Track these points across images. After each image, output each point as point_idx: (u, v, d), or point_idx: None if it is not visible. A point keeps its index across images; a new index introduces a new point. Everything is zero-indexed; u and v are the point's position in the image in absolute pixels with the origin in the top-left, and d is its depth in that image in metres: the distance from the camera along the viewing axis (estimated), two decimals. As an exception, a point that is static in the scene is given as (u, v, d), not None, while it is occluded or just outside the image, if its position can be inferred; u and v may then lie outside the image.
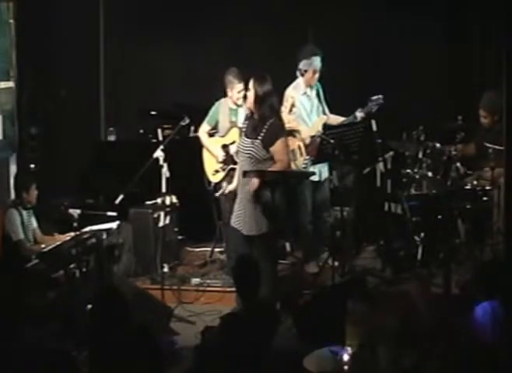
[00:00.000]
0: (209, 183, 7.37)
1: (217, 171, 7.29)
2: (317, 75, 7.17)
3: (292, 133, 7.01)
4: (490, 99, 6.97)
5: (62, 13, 8.45)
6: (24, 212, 6.92)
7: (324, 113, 7.30)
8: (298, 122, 7.14)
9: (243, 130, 6.19)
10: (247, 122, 6.19)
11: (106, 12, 8.93)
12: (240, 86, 7.07)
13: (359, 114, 7.04)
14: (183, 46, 8.70)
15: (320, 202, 7.25)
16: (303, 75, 7.18)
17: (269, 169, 5.97)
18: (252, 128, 6.07)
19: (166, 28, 8.62)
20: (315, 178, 7.10)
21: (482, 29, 7.74)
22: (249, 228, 6.02)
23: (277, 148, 5.96)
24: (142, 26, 8.67)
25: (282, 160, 6.00)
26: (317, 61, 7.12)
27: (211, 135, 7.39)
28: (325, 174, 7.22)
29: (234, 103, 7.20)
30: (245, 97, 6.67)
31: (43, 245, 6.86)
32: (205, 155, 7.41)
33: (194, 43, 8.61)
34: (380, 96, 7.03)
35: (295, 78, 7.25)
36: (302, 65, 7.16)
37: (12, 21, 8.02)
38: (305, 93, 7.22)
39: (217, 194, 7.24)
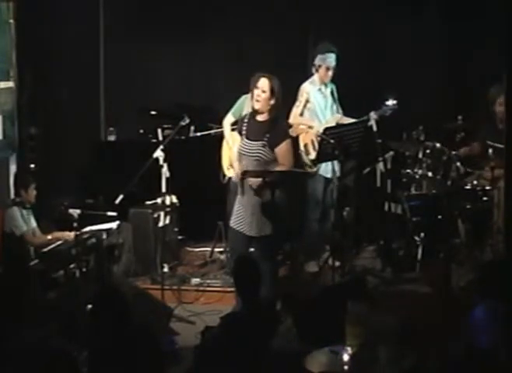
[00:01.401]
0: (224, 176, 7.33)
1: (232, 166, 7.23)
2: (330, 73, 7.20)
3: (306, 128, 7.05)
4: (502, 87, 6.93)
5: (62, 13, 8.45)
6: (24, 211, 6.94)
7: (338, 113, 7.32)
8: (311, 117, 7.17)
9: (244, 131, 6.11)
10: (246, 123, 6.12)
11: (106, 12, 8.93)
12: None
13: (374, 116, 7.04)
14: (183, 46, 8.70)
15: (331, 200, 7.24)
16: (317, 71, 7.21)
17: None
18: (256, 129, 6.00)
19: (166, 28, 8.62)
20: (328, 174, 7.10)
21: (483, 29, 7.73)
22: (250, 228, 6.01)
23: (281, 150, 5.92)
24: (141, 26, 8.66)
25: (285, 164, 5.94)
26: (330, 58, 7.15)
27: (234, 130, 7.34)
28: (338, 172, 7.19)
29: None
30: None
31: (49, 237, 6.89)
32: (224, 147, 7.34)
33: (194, 43, 8.61)
34: (395, 102, 7.04)
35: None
36: (317, 60, 7.20)
37: (12, 21, 8.02)
38: (319, 89, 7.24)
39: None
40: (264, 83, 5.95)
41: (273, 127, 5.94)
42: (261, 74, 6.10)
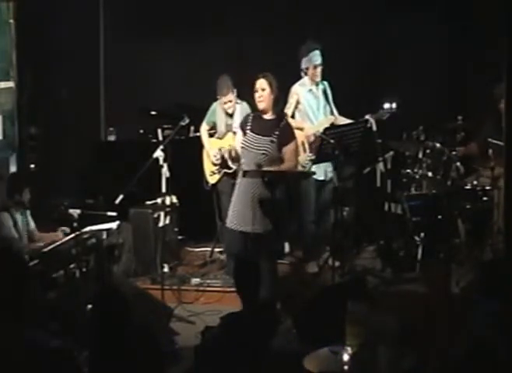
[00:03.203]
0: (207, 182, 7.40)
1: (214, 172, 7.33)
2: (319, 69, 7.19)
3: (297, 129, 7.08)
4: None
5: (62, 13, 8.45)
6: (17, 214, 6.78)
7: (332, 114, 7.30)
8: (303, 119, 7.17)
9: (249, 127, 6.18)
10: (251, 122, 6.19)
11: (106, 12, 8.94)
12: (230, 96, 7.12)
13: (370, 120, 7.03)
14: (183, 46, 8.71)
15: (324, 202, 7.25)
16: (306, 74, 7.20)
17: (276, 168, 6.01)
18: (264, 126, 6.13)
19: (165, 28, 8.62)
20: (320, 177, 7.11)
21: (483, 29, 7.74)
22: (248, 225, 6.03)
23: (289, 149, 6.09)
24: (141, 26, 8.67)
25: (292, 161, 6.13)
26: (316, 56, 7.15)
27: (211, 135, 7.42)
28: (330, 174, 7.21)
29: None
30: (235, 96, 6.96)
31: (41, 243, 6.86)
32: (205, 154, 7.44)
33: (194, 43, 8.61)
34: (394, 106, 7.04)
35: (295, 77, 7.26)
36: (303, 64, 7.20)
37: (12, 21, 8.02)
38: (310, 90, 7.23)
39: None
40: (262, 83, 6.12)
41: (281, 126, 6.11)
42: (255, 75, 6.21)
